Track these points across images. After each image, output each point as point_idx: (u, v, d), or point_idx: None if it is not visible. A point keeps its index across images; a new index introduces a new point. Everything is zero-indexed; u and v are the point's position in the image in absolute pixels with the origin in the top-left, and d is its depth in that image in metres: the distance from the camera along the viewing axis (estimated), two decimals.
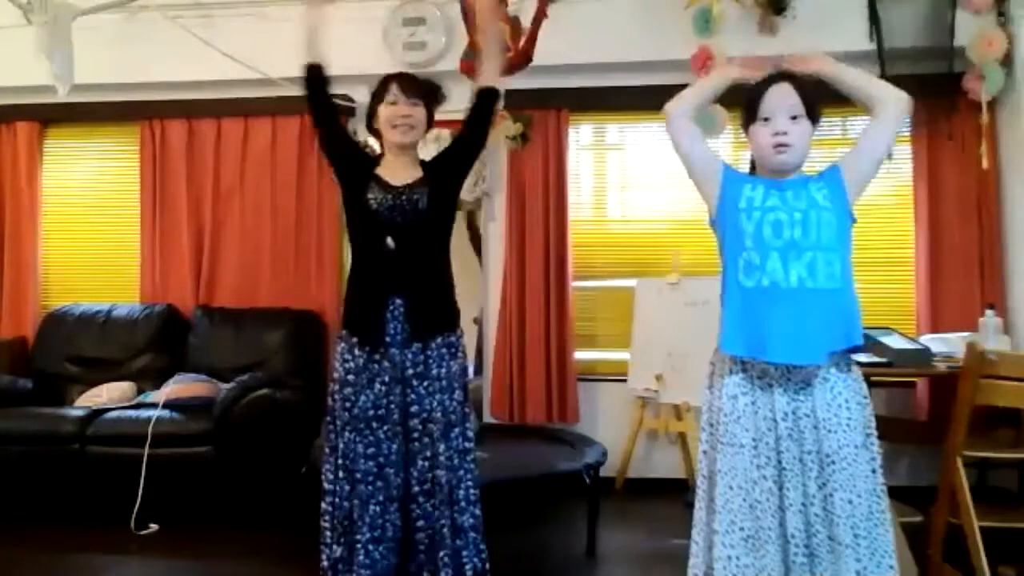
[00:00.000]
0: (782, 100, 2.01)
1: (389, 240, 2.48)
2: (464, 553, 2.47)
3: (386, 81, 2.55)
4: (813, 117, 2.03)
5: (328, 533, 2.50)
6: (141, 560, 3.42)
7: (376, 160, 2.61)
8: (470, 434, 2.56)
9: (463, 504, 2.47)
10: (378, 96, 2.55)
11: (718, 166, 2.14)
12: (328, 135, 2.60)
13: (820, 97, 2.05)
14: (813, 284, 1.96)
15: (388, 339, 2.47)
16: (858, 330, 2.01)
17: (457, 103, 2.72)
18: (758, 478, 1.97)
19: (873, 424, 2.02)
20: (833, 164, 2.10)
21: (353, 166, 2.58)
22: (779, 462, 1.97)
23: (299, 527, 2.56)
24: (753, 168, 2.18)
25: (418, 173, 2.55)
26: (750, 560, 1.94)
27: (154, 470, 3.65)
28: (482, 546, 2.51)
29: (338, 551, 2.47)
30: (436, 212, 2.53)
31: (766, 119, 2.02)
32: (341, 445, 2.48)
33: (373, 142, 2.73)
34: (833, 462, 1.95)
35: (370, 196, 2.49)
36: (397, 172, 2.54)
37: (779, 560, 1.94)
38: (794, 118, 2.00)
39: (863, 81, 2.08)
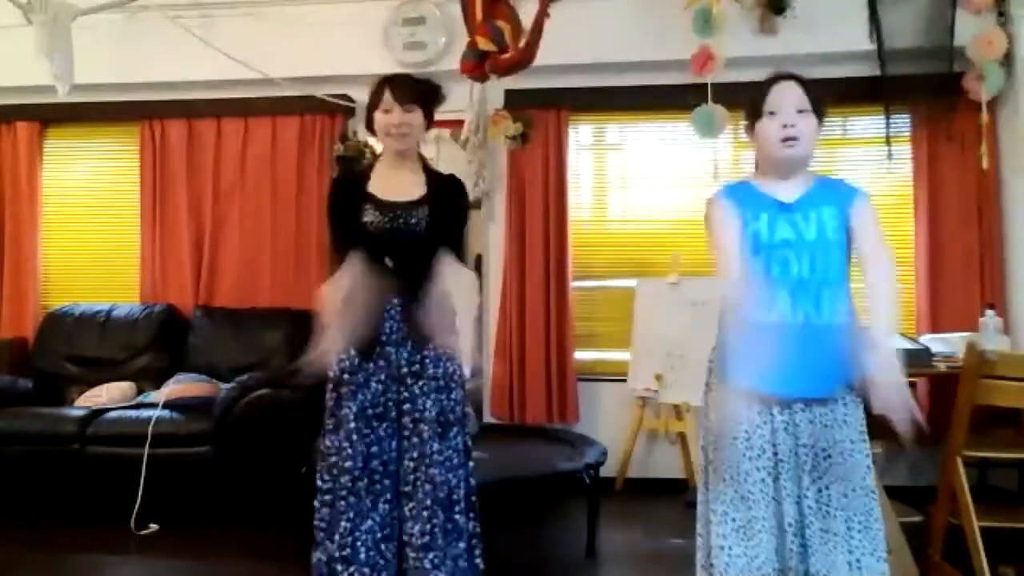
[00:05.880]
0: (788, 93, 2.01)
1: (388, 260, 2.46)
2: (465, 556, 2.45)
3: (380, 85, 2.49)
4: (818, 114, 2.03)
5: (321, 534, 2.47)
6: (141, 560, 3.43)
7: (366, 174, 2.57)
8: (469, 433, 2.55)
9: (462, 505, 2.45)
10: (373, 101, 2.50)
11: (736, 217, 2.03)
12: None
13: (822, 96, 2.04)
14: (818, 320, 1.97)
15: (384, 338, 2.46)
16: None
17: (457, 103, 2.71)
18: (750, 469, 1.98)
19: (865, 421, 2.03)
20: (856, 195, 2.02)
21: (345, 207, 2.51)
22: (775, 454, 1.99)
23: (299, 527, 2.55)
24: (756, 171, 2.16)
25: (419, 188, 2.50)
26: (741, 550, 1.97)
27: (154, 470, 3.65)
28: (478, 549, 2.49)
29: (330, 551, 2.43)
30: (434, 234, 2.49)
31: (772, 113, 2.01)
32: (336, 444, 2.45)
33: (374, 142, 2.72)
34: (830, 456, 1.97)
35: (366, 220, 2.45)
36: (394, 185, 2.49)
37: (773, 549, 1.96)
38: (800, 112, 2.00)
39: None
